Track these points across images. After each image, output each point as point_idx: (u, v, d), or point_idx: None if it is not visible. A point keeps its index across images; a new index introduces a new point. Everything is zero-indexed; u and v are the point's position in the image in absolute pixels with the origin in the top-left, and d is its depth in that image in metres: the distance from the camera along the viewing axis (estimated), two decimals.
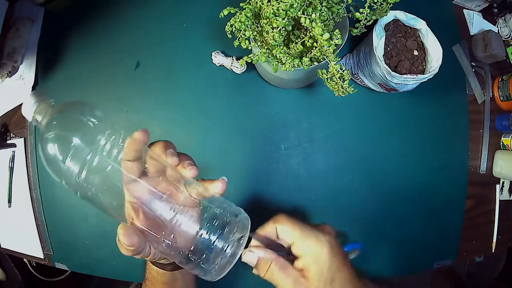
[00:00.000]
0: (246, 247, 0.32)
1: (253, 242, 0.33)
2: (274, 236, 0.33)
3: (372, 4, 0.42)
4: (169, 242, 0.29)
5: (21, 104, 0.30)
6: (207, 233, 0.29)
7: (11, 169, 0.62)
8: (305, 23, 0.40)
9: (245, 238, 0.31)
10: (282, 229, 0.33)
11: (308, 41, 0.43)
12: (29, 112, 0.30)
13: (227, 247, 0.29)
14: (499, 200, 0.65)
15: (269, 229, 0.33)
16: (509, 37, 0.68)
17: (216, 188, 0.31)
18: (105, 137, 0.28)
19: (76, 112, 0.30)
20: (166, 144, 0.32)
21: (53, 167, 0.28)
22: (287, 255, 0.33)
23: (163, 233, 0.29)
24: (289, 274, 0.31)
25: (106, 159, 0.29)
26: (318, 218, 0.60)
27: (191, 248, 0.29)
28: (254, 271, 0.34)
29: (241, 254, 0.31)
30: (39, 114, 0.29)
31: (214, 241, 0.28)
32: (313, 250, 0.31)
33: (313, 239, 0.32)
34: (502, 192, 0.66)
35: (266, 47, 0.45)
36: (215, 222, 0.29)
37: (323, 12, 0.41)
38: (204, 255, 0.29)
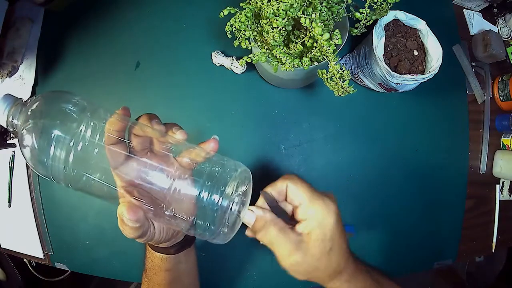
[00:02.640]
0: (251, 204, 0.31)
1: (257, 202, 0.32)
2: (283, 194, 0.33)
3: (372, 4, 0.42)
4: (172, 212, 0.29)
5: None
6: (208, 193, 0.27)
7: (11, 169, 0.62)
8: (305, 23, 0.40)
9: (249, 192, 0.30)
10: (293, 188, 0.32)
11: (308, 41, 0.43)
12: (2, 119, 0.28)
13: (232, 203, 0.28)
14: (499, 200, 0.65)
15: (279, 186, 0.32)
16: (509, 37, 0.68)
17: (208, 147, 0.30)
18: (85, 123, 0.27)
19: (52, 102, 0.28)
20: (150, 116, 0.31)
21: (39, 164, 0.27)
22: (288, 220, 0.32)
23: (164, 204, 0.28)
24: (288, 237, 0.30)
25: (91, 143, 0.27)
26: None
27: (196, 212, 0.28)
28: (248, 232, 0.32)
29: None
30: (13, 117, 0.28)
31: (218, 200, 0.27)
32: (320, 214, 0.30)
33: (322, 204, 0.31)
34: (502, 192, 0.66)
35: (266, 47, 0.45)
36: (214, 180, 0.28)
37: (323, 12, 0.41)
38: (210, 217, 0.28)
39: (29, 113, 0.27)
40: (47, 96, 0.29)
